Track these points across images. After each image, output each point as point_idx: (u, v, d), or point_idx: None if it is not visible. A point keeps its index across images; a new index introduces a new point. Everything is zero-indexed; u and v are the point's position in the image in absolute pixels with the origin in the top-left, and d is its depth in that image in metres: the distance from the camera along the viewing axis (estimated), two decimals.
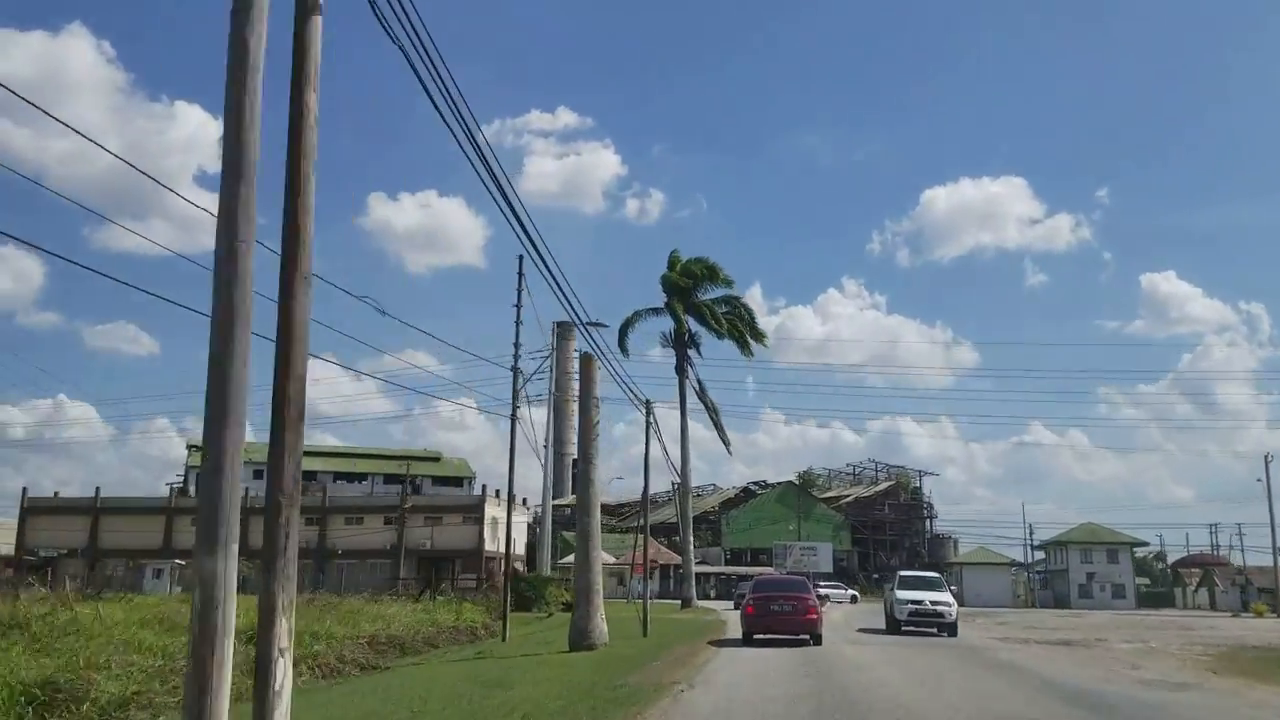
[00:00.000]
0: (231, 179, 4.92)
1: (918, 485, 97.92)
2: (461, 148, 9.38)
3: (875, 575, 79.82)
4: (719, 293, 47.30)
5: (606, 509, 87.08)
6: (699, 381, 48.42)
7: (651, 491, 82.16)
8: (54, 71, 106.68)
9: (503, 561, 56.43)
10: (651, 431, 25.56)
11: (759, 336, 48.30)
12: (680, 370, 47.41)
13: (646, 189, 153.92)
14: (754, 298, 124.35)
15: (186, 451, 76.90)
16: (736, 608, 38.56)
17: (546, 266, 14.17)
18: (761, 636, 21.10)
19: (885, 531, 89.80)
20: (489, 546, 56.32)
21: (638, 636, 21.61)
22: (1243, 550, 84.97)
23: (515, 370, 23.33)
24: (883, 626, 26.56)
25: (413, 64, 7.80)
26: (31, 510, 62.17)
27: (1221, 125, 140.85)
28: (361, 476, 76.56)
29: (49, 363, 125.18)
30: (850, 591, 62.46)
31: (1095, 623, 38.44)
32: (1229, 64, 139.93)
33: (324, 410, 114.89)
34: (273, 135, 5.75)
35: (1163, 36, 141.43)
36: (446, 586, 48.35)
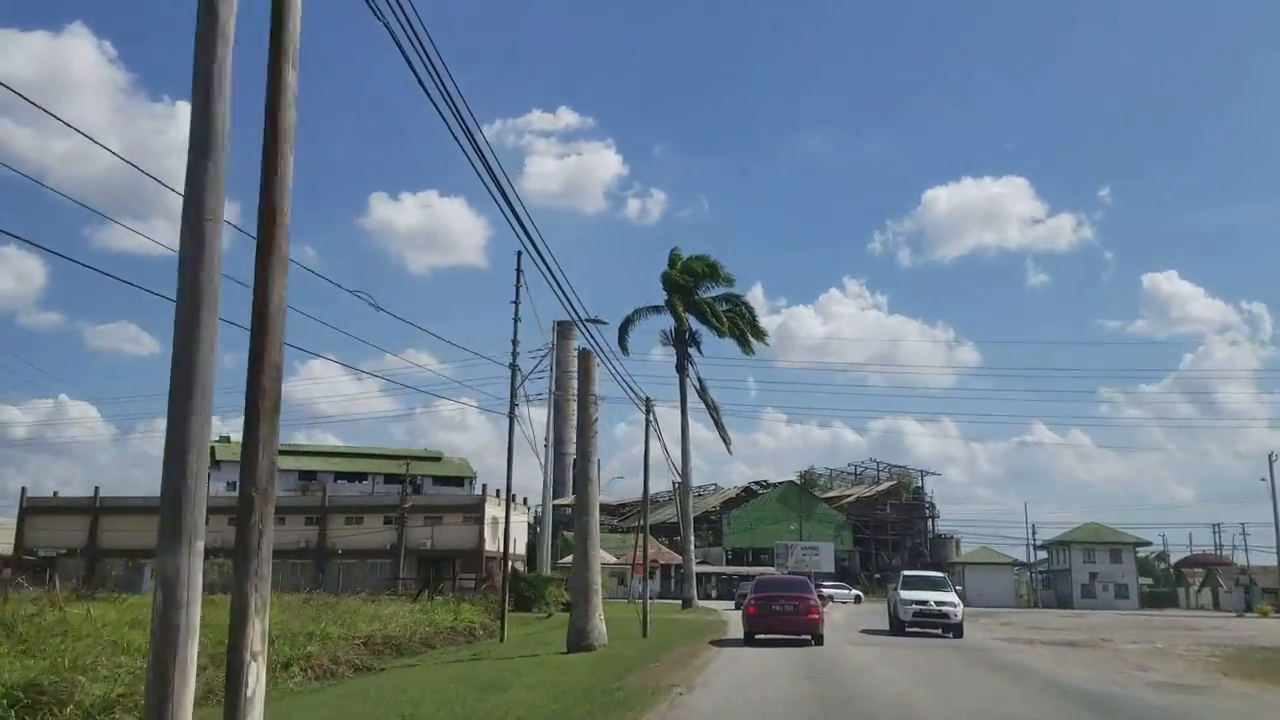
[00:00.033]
0: (198, 153, 4.63)
1: (920, 485, 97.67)
2: (458, 141, 9.31)
3: (877, 575, 79.54)
4: (720, 290, 47.06)
5: (607, 509, 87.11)
6: (700, 380, 48.20)
7: (652, 491, 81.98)
8: (55, 71, 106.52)
9: (504, 561, 56.48)
10: (652, 430, 25.26)
11: (760, 334, 48.02)
12: (681, 368, 47.15)
13: (648, 189, 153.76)
14: (755, 297, 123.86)
15: None
16: (738, 608, 38.29)
17: (545, 263, 13.99)
18: (763, 636, 21.09)
19: (887, 531, 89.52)
20: (490, 546, 56.07)
21: (637, 637, 21.32)
22: (1246, 550, 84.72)
23: (513, 367, 23.07)
24: (886, 627, 26.10)
25: (408, 58, 7.74)
26: (31, 510, 62.02)
27: (1223, 125, 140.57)
28: (362, 476, 76.41)
29: (51, 363, 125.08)
30: (854, 592, 62.22)
31: (1099, 623, 38.14)
32: (1231, 64, 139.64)
33: (325, 410, 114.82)
34: (254, 115, 5.50)
35: (1164, 36, 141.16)
36: (446, 586, 48.16)
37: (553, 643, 19.52)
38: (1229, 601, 72.12)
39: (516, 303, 23.09)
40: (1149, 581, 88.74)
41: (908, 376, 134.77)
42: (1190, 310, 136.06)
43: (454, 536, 58.66)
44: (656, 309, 46.79)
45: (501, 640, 22.44)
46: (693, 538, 49.72)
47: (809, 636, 20.53)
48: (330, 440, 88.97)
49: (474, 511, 58.78)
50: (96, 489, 62.94)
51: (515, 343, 23.25)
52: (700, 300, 46.22)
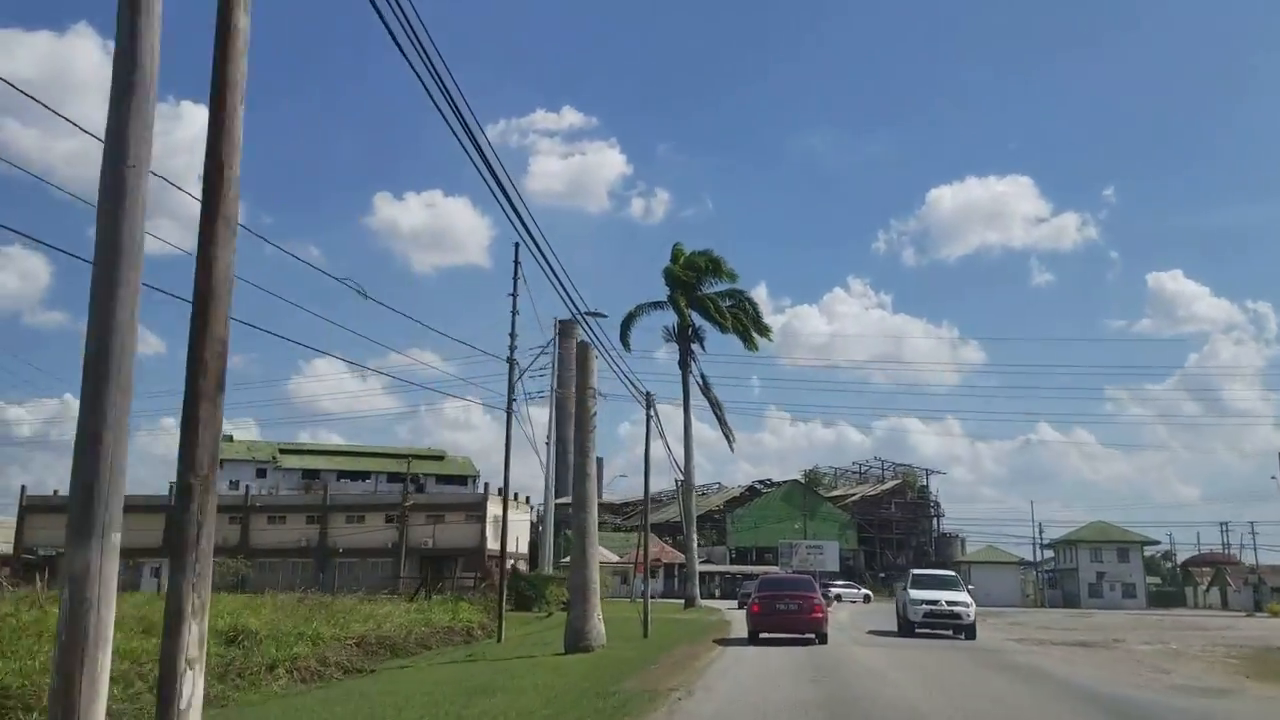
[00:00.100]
0: (122, 91, 4.09)
1: (924, 484, 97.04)
2: (456, 135, 9.11)
3: (882, 574, 78.98)
4: (723, 286, 46.40)
5: (610, 508, 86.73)
6: (703, 377, 47.62)
7: (655, 490, 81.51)
8: (60, 71, 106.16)
9: (510, 560, 56.00)
10: (653, 425, 24.72)
11: (764, 330, 47.38)
12: (684, 364, 46.55)
13: (651, 188, 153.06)
14: (759, 297, 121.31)
15: None
16: (741, 607, 37.75)
17: (543, 255, 13.62)
18: (767, 636, 20.96)
19: (892, 530, 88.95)
20: (491, 545, 55.57)
21: (638, 637, 20.77)
22: (1255, 549, 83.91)
23: (511, 362, 22.51)
24: (894, 628, 25.16)
25: (406, 56, 7.73)
26: (30, 508, 61.66)
27: (1228, 124, 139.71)
28: (365, 475, 76.07)
29: (55, 362, 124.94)
30: (863, 591, 61.77)
31: (1109, 623, 37.56)
32: (1237, 63, 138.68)
33: (327, 407, 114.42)
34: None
35: (1169, 35, 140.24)
36: (447, 585, 47.70)
37: (551, 643, 18.99)
38: (1237, 601, 71.44)
39: (514, 296, 22.56)
40: (1156, 581, 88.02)
41: (912, 376, 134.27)
42: (1195, 309, 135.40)
43: (456, 535, 58.23)
44: (659, 305, 46.22)
45: (499, 640, 21.91)
46: (695, 536, 49.15)
47: (813, 635, 20.49)
48: (334, 439, 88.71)
49: (476, 510, 58.33)
50: None
51: (513, 336, 22.72)
52: (703, 296, 45.60)
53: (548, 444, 44.37)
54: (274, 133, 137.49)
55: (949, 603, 23.51)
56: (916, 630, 23.46)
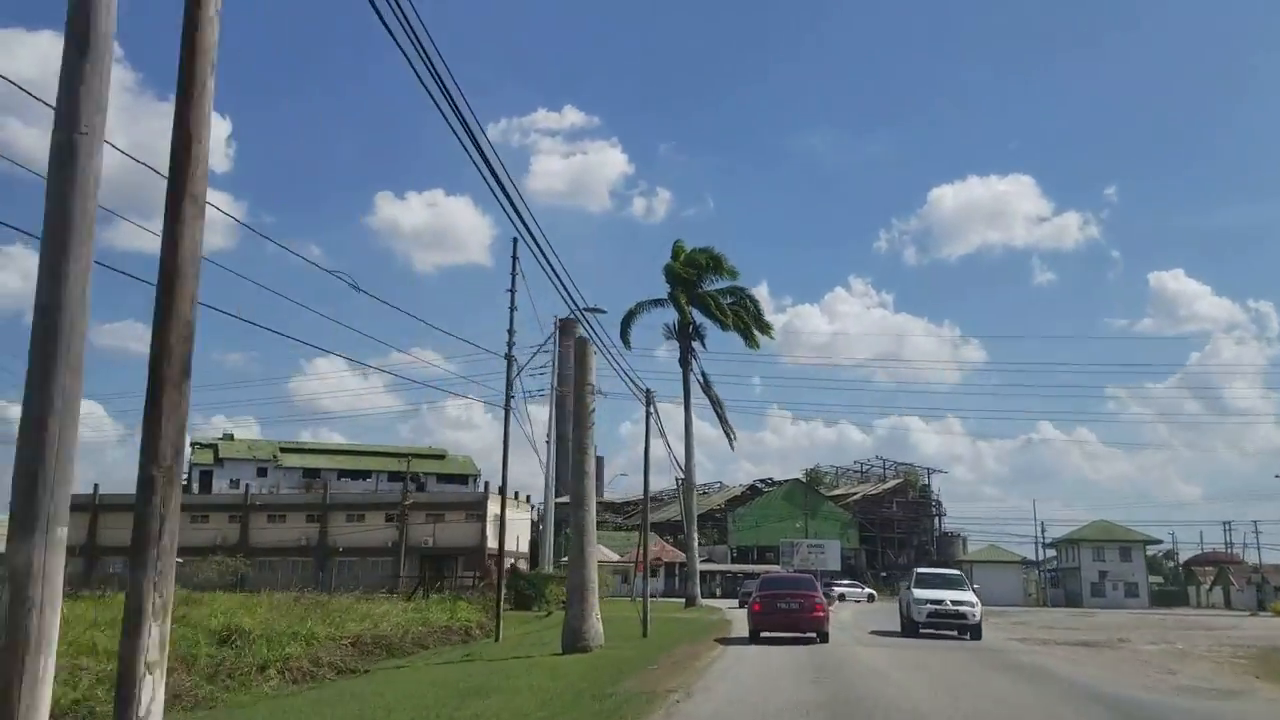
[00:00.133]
0: (76, 50, 3.81)
1: (926, 483, 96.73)
2: (452, 128, 9.02)
3: (883, 574, 78.71)
4: (723, 283, 46.08)
5: (612, 506, 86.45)
6: (703, 374, 47.32)
7: (657, 490, 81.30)
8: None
9: (510, 559, 55.69)
10: (653, 423, 24.44)
11: (765, 328, 47.05)
12: (684, 362, 46.26)
13: (653, 188, 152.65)
14: (761, 296, 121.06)
15: (190, 449, 76.34)
16: (742, 606, 37.47)
17: (540, 249, 13.46)
18: (768, 635, 20.87)
19: (893, 529, 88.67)
20: (492, 544, 55.31)
21: (637, 637, 20.49)
22: (1259, 548, 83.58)
23: (509, 358, 22.24)
24: (897, 628, 24.65)
25: (405, 53, 7.72)
26: None
27: (1230, 123, 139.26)
28: (366, 474, 75.83)
29: None
30: (867, 590, 61.60)
31: (1113, 623, 37.27)
32: (1238, 62, 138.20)
33: (328, 406, 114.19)
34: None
35: (1170, 35, 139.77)
36: (447, 584, 47.46)
37: (549, 643, 18.72)
38: (1240, 600, 71.16)
39: (512, 292, 22.29)
40: (1159, 580, 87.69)
41: (913, 375, 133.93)
42: (1197, 308, 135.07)
43: (456, 534, 58.00)
44: (659, 302, 45.90)
45: (497, 640, 21.64)
46: (696, 535, 48.86)
47: (814, 634, 20.46)
48: (336, 439, 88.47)
49: (476, 509, 58.09)
50: (95, 486, 62.38)
51: (511, 332, 22.43)
52: (704, 293, 45.29)
53: (548, 442, 44.11)
54: (276, 133, 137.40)
55: (954, 602, 22.92)
56: (921, 630, 22.95)
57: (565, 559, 49.52)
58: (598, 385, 18.80)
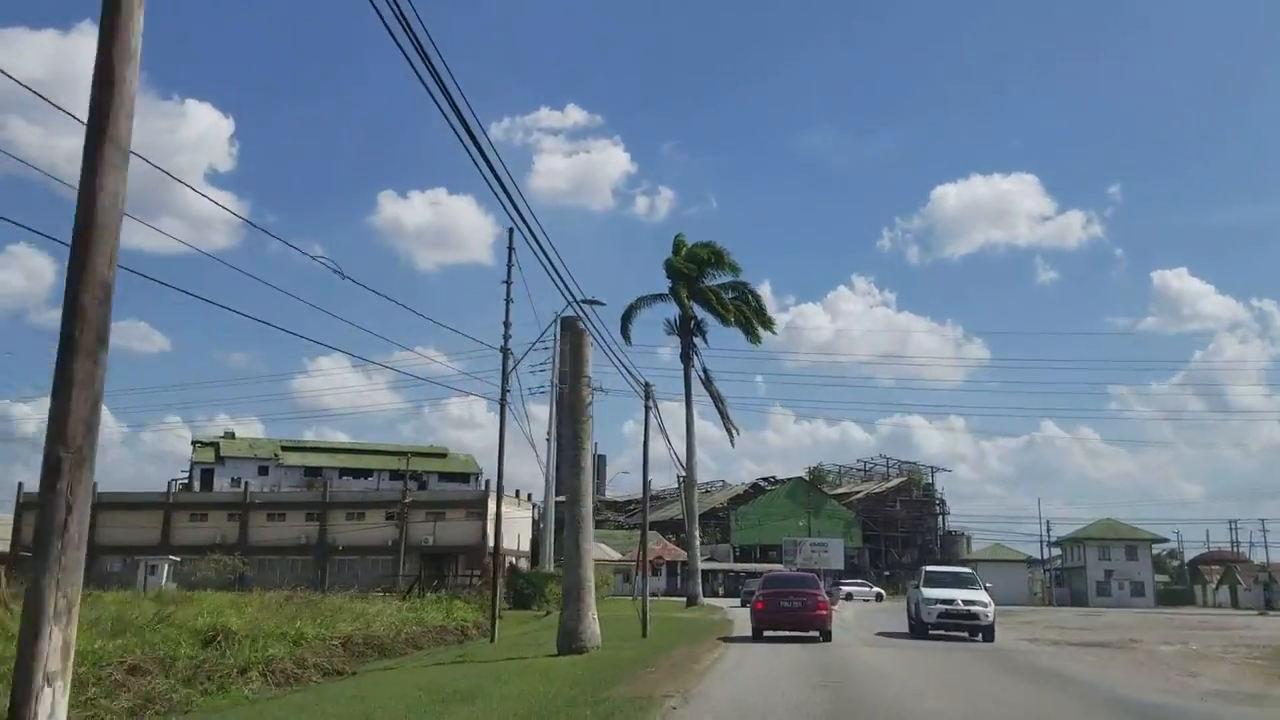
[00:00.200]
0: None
1: (930, 481, 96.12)
2: (443, 112, 8.76)
3: (887, 573, 78.19)
4: (725, 279, 45.48)
5: (613, 505, 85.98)
6: (704, 370, 46.73)
7: (660, 489, 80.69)
8: (65, 70, 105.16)
9: (509, 558, 55.20)
10: (653, 419, 23.88)
11: (767, 323, 46.41)
12: (685, 357, 45.67)
13: (656, 187, 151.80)
14: (764, 295, 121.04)
15: (192, 448, 75.82)
16: (744, 605, 36.95)
17: (538, 242, 13.13)
18: (771, 635, 20.65)
19: (897, 528, 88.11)
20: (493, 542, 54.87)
21: (636, 637, 19.92)
22: (1266, 547, 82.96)
23: (505, 351, 21.68)
24: (905, 629, 23.77)
25: (403, 49, 7.68)
26: (27, 505, 60.98)
27: (1234, 122, 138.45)
28: (367, 472, 75.32)
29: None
30: (875, 589, 61.18)
31: (1121, 622, 36.72)
32: (1242, 61, 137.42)
33: (331, 405, 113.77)
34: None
35: (1174, 34, 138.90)
36: (448, 583, 46.99)
37: (546, 643, 18.15)
38: (1248, 599, 70.58)
39: (508, 283, 21.74)
40: (1165, 579, 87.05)
41: (916, 374, 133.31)
42: (1200, 307, 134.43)
43: (457, 533, 57.56)
44: (661, 297, 45.33)
45: (492, 640, 21.09)
46: (698, 533, 48.28)
47: (817, 632, 20.42)
48: (339, 437, 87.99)
49: (477, 507, 57.63)
50: (94, 484, 61.83)
51: (507, 325, 21.87)
52: (705, 288, 44.70)
53: (548, 440, 43.50)
54: (278, 132, 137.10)
55: (965, 602, 21.99)
56: (930, 631, 22.01)
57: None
58: (597, 382, 18.28)
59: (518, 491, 63.13)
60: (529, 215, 12.50)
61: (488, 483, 60.49)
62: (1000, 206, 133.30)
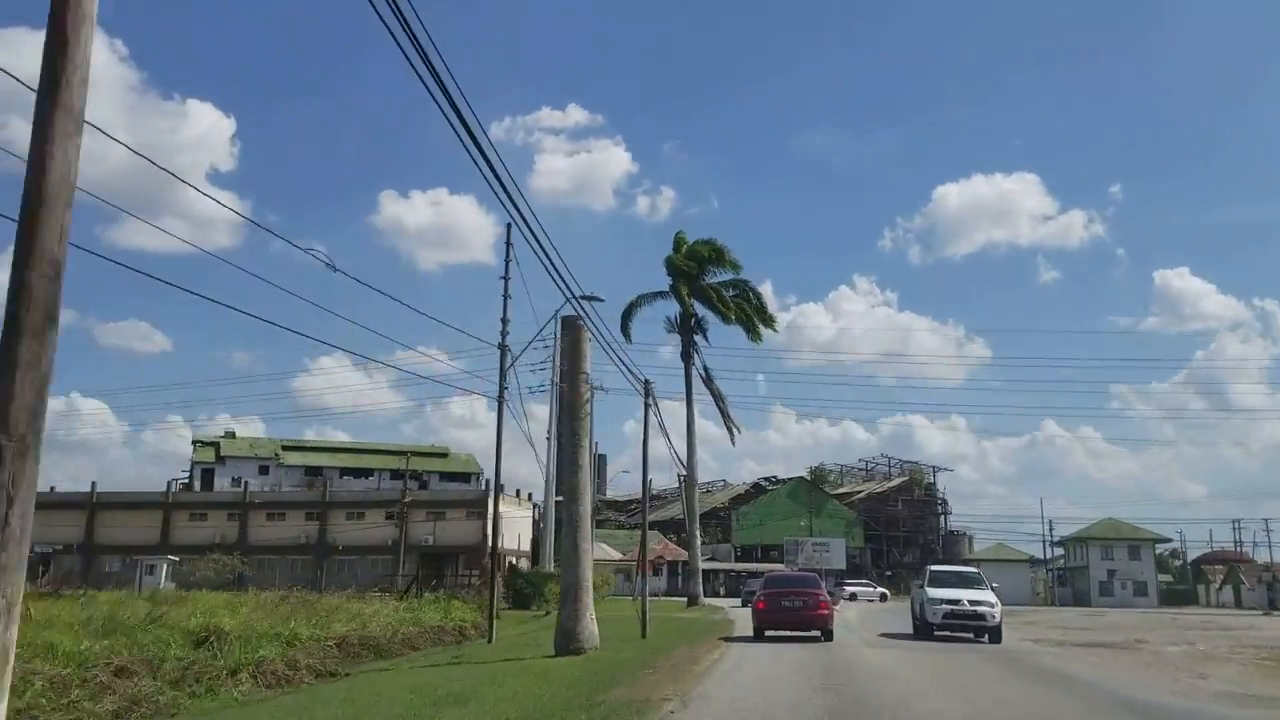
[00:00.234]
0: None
1: (931, 481, 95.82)
2: (437, 101, 8.66)
3: (888, 573, 77.90)
4: (726, 276, 45.15)
5: (614, 505, 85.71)
6: (705, 368, 46.41)
7: (662, 488, 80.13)
8: None
9: (509, 557, 54.98)
10: (653, 416, 23.59)
11: (768, 321, 46.09)
12: (686, 356, 45.35)
13: (657, 187, 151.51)
14: (765, 295, 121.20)
15: (192, 447, 75.65)
16: (745, 605, 36.68)
17: (535, 237, 12.95)
18: (772, 635, 20.58)
19: (899, 528, 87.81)
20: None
21: (635, 638, 19.65)
22: (1270, 546, 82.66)
23: (503, 347, 21.41)
24: (909, 630, 23.23)
25: (402, 47, 7.68)
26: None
27: (1235, 122, 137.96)
28: (368, 472, 75.12)
29: (62, 360, 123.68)
30: (879, 589, 60.93)
31: (1125, 622, 36.43)
32: (1244, 61, 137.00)
33: (333, 405, 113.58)
34: None
35: (1176, 33, 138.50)
36: (449, 582, 46.76)
37: (544, 644, 17.89)
38: (1251, 599, 70.28)
39: (506, 278, 21.47)
40: (1167, 579, 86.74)
41: (918, 373, 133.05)
42: (1202, 307, 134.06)
43: (457, 532, 57.28)
44: (661, 294, 44.99)
45: (490, 641, 20.84)
46: (698, 533, 47.97)
47: (818, 632, 20.41)
48: (340, 436, 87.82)
49: (477, 507, 57.34)
50: (93, 484, 61.79)
51: (505, 321, 21.61)
52: (706, 285, 44.38)
53: (548, 439, 43.24)
54: (279, 132, 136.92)
55: (972, 602, 21.39)
56: (935, 633, 21.51)
57: None
58: (597, 380, 18.02)
59: (518, 491, 62.87)
60: (528, 213, 12.49)
61: (488, 482, 60.28)
62: (1002, 206, 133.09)
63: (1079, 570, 79.19)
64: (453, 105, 8.85)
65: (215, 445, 75.28)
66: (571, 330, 17.60)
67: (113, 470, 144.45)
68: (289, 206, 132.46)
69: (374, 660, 17.88)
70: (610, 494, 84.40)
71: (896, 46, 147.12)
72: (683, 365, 45.65)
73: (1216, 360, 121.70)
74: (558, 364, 45.80)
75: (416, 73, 8.06)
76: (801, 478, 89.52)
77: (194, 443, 76.22)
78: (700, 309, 45.09)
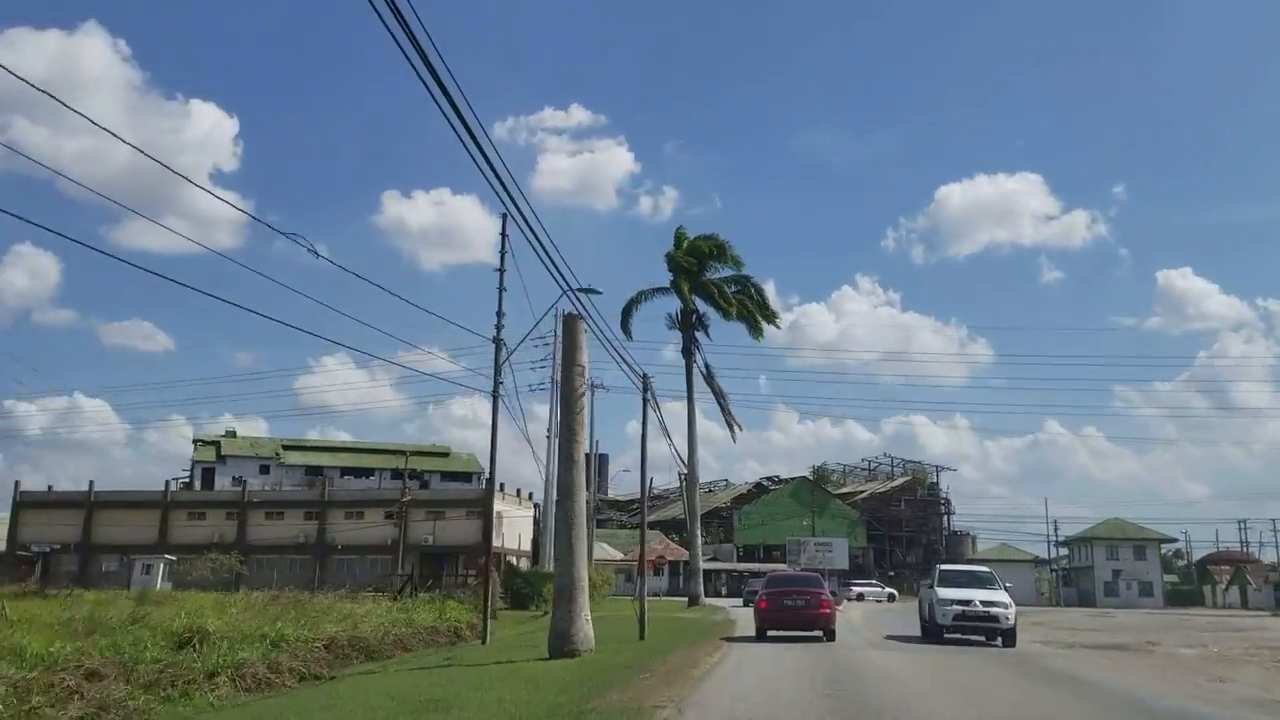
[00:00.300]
0: None
1: (934, 481, 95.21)
2: (436, 102, 8.59)
3: (891, 573, 77.32)
4: (728, 272, 44.56)
5: (615, 504, 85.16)
6: (706, 365, 45.81)
7: (664, 488, 79.52)
8: (69, 70, 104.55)
9: (509, 557, 54.46)
10: (651, 412, 23.04)
11: (770, 317, 45.49)
12: (687, 352, 44.75)
13: (660, 186, 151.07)
14: (768, 294, 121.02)
15: (193, 447, 75.23)
16: (746, 605, 36.16)
17: (531, 229, 12.62)
18: (775, 635, 20.42)
19: (901, 528, 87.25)
20: (495, 542, 54.06)
21: (633, 639, 19.11)
22: (1277, 546, 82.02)
23: (498, 341, 20.90)
24: (917, 631, 22.26)
25: (401, 46, 7.74)
26: (24, 504, 60.47)
27: (1237, 122, 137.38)
28: (369, 471, 74.76)
29: (64, 360, 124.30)
30: (887, 590, 60.43)
31: (1134, 623, 35.90)
32: (1246, 60, 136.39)
33: (335, 404, 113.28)
34: None
35: (1179, 33, 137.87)
36: (448, 582, 46.25)
37: (539, 645, 17.37)
38: (1258, 600, 69.72)
39: (501, 270, 20.94)
40: (1173, 579, 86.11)
41: (921, 374, 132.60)
42: (1205, 307, 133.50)
43: (457, 532, 56.77)
44: (662, 290, 44.40)
45: (484, 642, 20.31)
46: (699, 532, 47.40)
47: (820, 632, 20.35)
48: (342, 436, 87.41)
49: (477, 506, 56.83)
50: (91, 484, 61.41)
51: (500, 315, 21.10)
52: (707, 281, 43.78)
53: (548, 438, 42.70)
54: (282, 132, 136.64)
55: (984, 603, 20.34)
56: (946, 635, 20.44)
57: None
58: (596, 378, 17.52)
59: (518, 490, 62.35)
60: (525, 207, 12.24)
61: (488, 482, 59.77)
62: (1005, 206, 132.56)
63: (1084, 570, 78.57)
64: (452, 105, 8.81)
65: (216, 445, 74.93)
66: (567, 320, 17.08)
67: (114, 470, 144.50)
68: (292, 206, 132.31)
69: (363, 662, 17.40)
70: (612, 493, 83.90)
71: (898, 46, 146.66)
72: (684, 363, 45.13)
73: (1219, 360, 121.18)
74: (557, 361, 45.47)
75: (417, 73, 8.14)
76: (804, 477, 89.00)
77: (195, 442, 75.89)
78: (701, 305, 44.55)
